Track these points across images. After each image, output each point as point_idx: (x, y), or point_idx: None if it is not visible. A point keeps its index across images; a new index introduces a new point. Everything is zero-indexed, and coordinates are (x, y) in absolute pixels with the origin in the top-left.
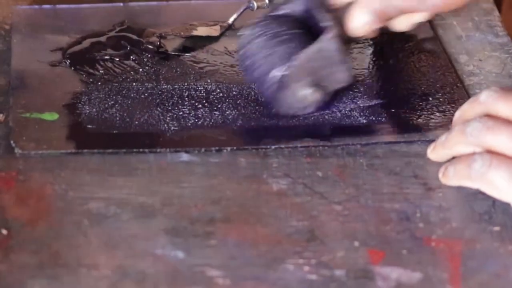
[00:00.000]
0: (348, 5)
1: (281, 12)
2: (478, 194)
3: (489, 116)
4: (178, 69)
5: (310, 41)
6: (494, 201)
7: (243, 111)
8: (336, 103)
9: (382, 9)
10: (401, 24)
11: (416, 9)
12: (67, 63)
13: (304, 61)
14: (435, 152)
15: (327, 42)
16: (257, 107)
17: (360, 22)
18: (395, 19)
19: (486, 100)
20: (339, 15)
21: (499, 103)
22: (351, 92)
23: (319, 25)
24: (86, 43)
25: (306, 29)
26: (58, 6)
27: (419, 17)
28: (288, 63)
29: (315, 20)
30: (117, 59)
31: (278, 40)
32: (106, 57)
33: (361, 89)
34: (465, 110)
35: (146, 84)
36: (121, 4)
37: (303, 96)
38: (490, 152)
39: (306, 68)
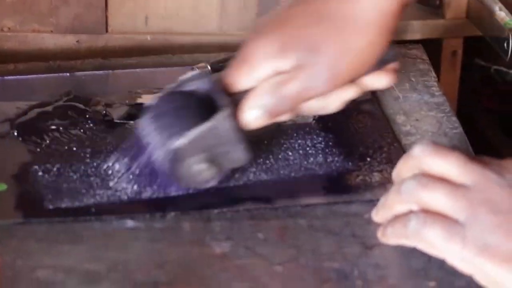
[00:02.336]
0: (245, 92)
1: (186, 88)
2: (415, 251)
3: (423, 174)
4: (123, 137)
5: (209, 119)
6: (430, 257)
7: None
8: (277, 166)
9: (273, 105)
10: (332, 105)
11: (311, 97)
12: (15, 133)
13: (198, 137)
14: (379, 214)
15: (220, 121)
16: None
17: (250, 118)
18: (323, 102)
19: (419, 155)
20: (237, 98)
21: (431, 158)
22: (291, 154)
23: (217, 104)
24: (33, 113)
25: (208, 108)
26: (5, 77)
27: (348, 94)
28: (182, 138)
29: (215, 100)
30: (64, 129)
31: (179, 114)
32: (53, 127)
33: (302, 151)
34: (401, 168)
35: (92, 152)
36: (68, 74)
37: (198, 171)
38: (425, 211)
39: (200, 144)
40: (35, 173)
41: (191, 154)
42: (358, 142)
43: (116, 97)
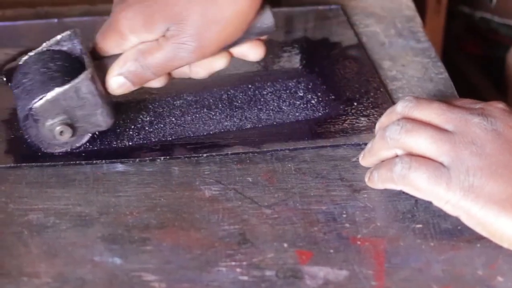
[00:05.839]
0: (114, 57)
1: (61, 48)
2: (402, 194)
3: (407, 119)
4: None
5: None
6: (416, 200)
7: (175, 121)
8: (265, 111)
9: (137, 73)
10: (199, 74)
11: (176, 67)
12: (4, 79)
13: (57, 99)
14: (365, 160)
15: (81, 83)
16: (187, 117)
17: (114, 85)
18: (190, 69)
19: (402, 111)
20: (105, 63)
21: (415, 111)
22: (278, 99)
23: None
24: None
25: (77, 70)
26: None
27: (217, 63)
28: (40, 97)
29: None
30: None
31: (47, 74)
32: None
33: (289, 96)
34: (384, 122)
35: None
36: (55, 20)
37: (57, 133)
38: (410, 155)
39: (60, 105)
40: None
41: (50, 116)
42: (345, 87)
43: None
